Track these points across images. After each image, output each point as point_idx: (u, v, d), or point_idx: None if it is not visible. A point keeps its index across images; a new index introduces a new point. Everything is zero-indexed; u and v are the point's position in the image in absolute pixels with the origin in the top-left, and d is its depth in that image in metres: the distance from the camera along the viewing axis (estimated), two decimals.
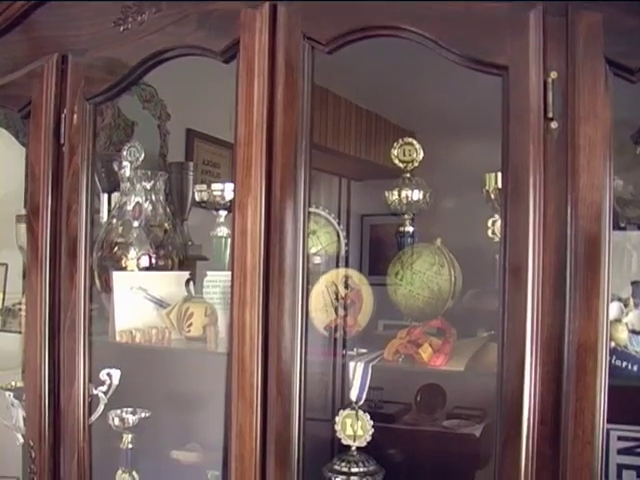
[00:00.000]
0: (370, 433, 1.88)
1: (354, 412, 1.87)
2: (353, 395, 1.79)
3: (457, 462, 2.02)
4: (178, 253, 2.22)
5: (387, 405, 2.15)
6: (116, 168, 2.26)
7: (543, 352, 1.43)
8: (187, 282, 1.99)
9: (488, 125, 1.57)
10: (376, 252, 1.97)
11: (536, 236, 1.44)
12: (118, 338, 2.03)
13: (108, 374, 2.08)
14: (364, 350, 1.86)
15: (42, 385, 2.00)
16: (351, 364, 1.79)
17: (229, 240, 1.96)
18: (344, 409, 1.90)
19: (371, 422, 1.88)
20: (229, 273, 1.75)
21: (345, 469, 1.97)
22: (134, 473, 2.31)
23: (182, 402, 2.42)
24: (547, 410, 1.44)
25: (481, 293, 1.87)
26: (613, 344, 1.53)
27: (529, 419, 1.44)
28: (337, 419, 1.89)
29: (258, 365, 1.67)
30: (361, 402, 1.79)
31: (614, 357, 1.54)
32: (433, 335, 1.78)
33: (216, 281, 2.02)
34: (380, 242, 2.02)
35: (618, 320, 1.54)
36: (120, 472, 2.32)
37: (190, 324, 1.94)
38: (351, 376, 1.79)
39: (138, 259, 2.15)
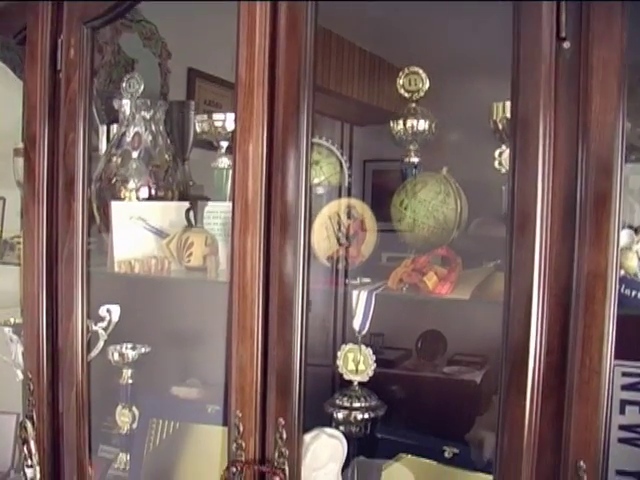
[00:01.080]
0: (372, 368, 1.86)
1: (356, 347, 1.84)
2: (356, 324, 1.77)
3: (457, 408, 1.99)
4: (178, 185, 2.17)
5: (388, 351, 2.12)
6: (116, 106, 2.21)
7: (551, 280, 1.40)
8: (187, 211, 1.95)
9: (496, 57, 1.53)
10: (379, 198, 1.93)
11: (546, 163, 1.39)
12: (117, 269, 2.00)
13: (108, 310, 2.08)
14: (367, 280, 1.83)
15: (40, 317, 1.98)
16: (354, 292, 1.76)
17: (230, 172, 1.91)
18: (346, 343, 1.87)
19: (373, 357, 1.86)
20: (230, 204, 1.71)
21: (347, 404, 1.96)
22: (134, 408, 2.30)
23: (182, 337, 2.41)
24: (554, 339, 1.41)
25: (487, 221, 1.83)
26: (622, 272, 1.50)
27: (535, 348, 1.41)
28: (339, 354, 1.86)
29: (259, 293, 1.64)
30: (364, 332, 1.76)
31: (623, 286, 1.51)
32: (438, 265, 1.74)
33: (216, 212, 1.99)
34: (383, 188, 1.98)
35: (628, 248, 1.50)
36: (120, 408, 2.32)
37: (190, 254, 1.90)
38: (354, 305, 1.76)
39: (137, 190, 2.12)
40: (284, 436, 1.64)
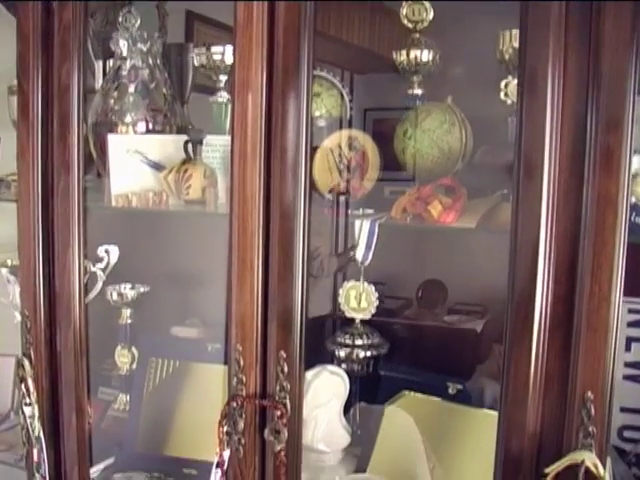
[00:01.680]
0: (375, 305, 1.84)
1: (358, 284, 1.82)
2: (359, 255, 1.74)
3: (457, 356, 1.97)
4: (177, 121, 2.12)
5: (388, 300, 2.09)
6: (112, 46, 2.15)
7: (560, 208, 1.36)
8: (186, 144, 1.90)
9: None
10: (379, 146, 1.88)
11: (555, 88, 1.34)
12: (114, 203, 1.96)
13: (106, 251, 2.04)
14: (370, 210, 1.79)
15: (36, 252, 1.94)
16: (357, 222, 1.73)
17: (229, 107, 1.86)
18: (348, 280, 1.84)
19: (376, 294, 1.83)
20: (229, 137, 1.66)
21: (349, 341, 1.94)
22: (133, 349, 2.28)
23: (182, 277, 2.38)
24: (562, 268, 1.37)
25: (493, 150, 1.78)
26: (634, 199, 1.46)
27: (543, 278, 1.38)
28: (340, 291, 1.84)
29: (259, 225, 1.61)
30: (367, 262, 1.73)
31: (634, 214, 1.47)
32: (442, 195, 1.70)
33: (215, 145, 1.94)
34: (383, 136, 1.93)
35: None
36: (119, 348, 2.31)
37: (189, 186, 1.86)
38: (357, 235, 1.73)
39: (134, 125, 2.06)
40: (285, 369, 1.61)
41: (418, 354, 2.11)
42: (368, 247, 1.74)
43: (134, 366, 2.31)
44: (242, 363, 1.64)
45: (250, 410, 1.65)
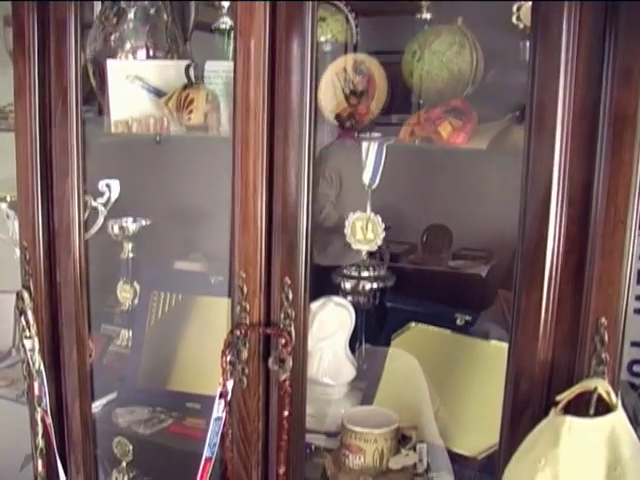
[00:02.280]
0: (381, 237, 1.80)
1: (365, 215, 1.77)
2: (366, 177, 1.69)
3: (462, 300, 1.93)
4: (178, 48, 2.05)
5: (392, 245, 2.05)
6: None
7: (574, 124, 1.31)
8: (187, 68, 1.83)
9: None
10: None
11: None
12: (114, 129, 1.90)
13: (107, 185, 2.00)
14: (377, 134, 1.74)
15: (34, 182, 1.89)
16: (364, 144, 1.68)
17: (232, 33, 1.79)
18: (354, 212, 1.80)
19: (382, 225, 1.79)
20: (231, 63, 1.61)
21: (355, 273, 1.90)
22: (135, 284, 2.24)
23: (184, 212, 2.33)
24: (576, 191, 1.32)
25: (506, 69, 1.72)
26: None
27: (558, 198, 1.33)
28: (346, 222, 1.80)
29: (263, 148, 1.56)
30: (374, 186, 1.68)
31: None
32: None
33: (217, 71, 1.87)
34: (389, 80, 1.86)
35: None
36: (121, 283, 2.27)
37: (190, 111, 1.80)
38: (364, 157, 1.68)
39: (134, 52, 2.00)
40: (290, 296, 1.57)
41: (424, 291, 2.06)
42: (375, 170, 1.69)
43: (136, 301, 2.27)
44: (245, 290, 1.60)
45: (254, 339, 1.61)
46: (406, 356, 1.86)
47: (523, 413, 1.40)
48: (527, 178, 1.34)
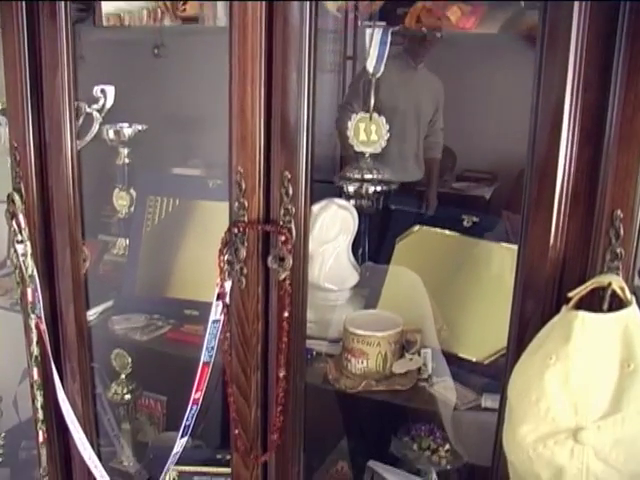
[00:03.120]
0: (385, 139, 1.73)
1: (367, 115, 1.70)
2: (370, 65, 1.61)
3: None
4: None
5: None
6: None
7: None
8: None
9: None
10: None
11: None
12: (105, 22, 1.82)
13: (102, 91, 1.94)
14: (382, 22, 1.65)
15: (23, 78, 1.80)
16: (367, 31, 1.60)
17: None
18: (356, 113, 1.73)
19: (387, 126, 1.72)
20: None
21: (358, 176, 1.84)
22: (132, 191, 2.18)
23: (181, 118, 2.26)
24: (593, 74, 1.24)
25: None
26: None
27: (572, 84, 1.25)
28: (349, 124, 1.72)
29: (261, 35, 1.47)
30: (379, 74, 1.60)
31: None
32: None
33: None
34: None
35: None
36: (117, 190, 2.21)
37: (185, 2, 1.71)
38: (367, 44, 1.60)
39: None
40: (290, 191, 1.50)
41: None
42: (380, 57, 1.61)
43: (132, 209, 2.21)
44: (244, 186, 1.53)
45: (252, 237, 1.55)
46: (408, 274, 1.80)
47: (533, 314, 1.34)
48: (541, 61, 1.25)
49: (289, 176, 1.49)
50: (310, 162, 1.50)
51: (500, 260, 1.67)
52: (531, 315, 1.34)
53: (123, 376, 2.30)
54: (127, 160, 2.20)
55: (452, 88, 1.90)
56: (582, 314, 1.18)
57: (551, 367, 1.18)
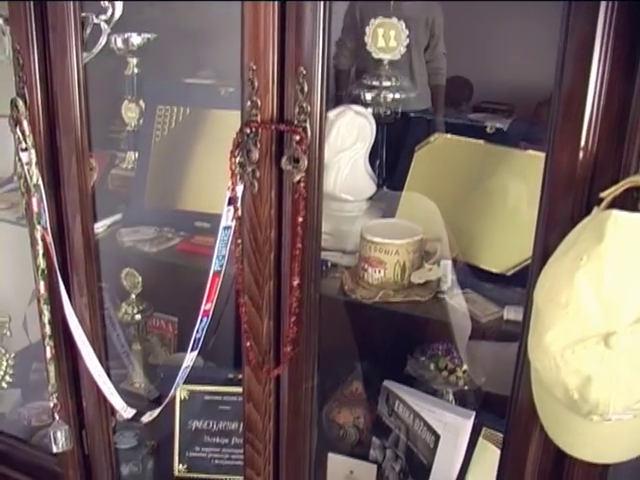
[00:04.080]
0: (405, 44, 1.64)
1: (387, 20, 1.61)
2: None
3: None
4: None
5: None
6: None
7: None
8: None
9: None
10: None
11: None
12: None
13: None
14: None
15: None
16: None
17: None
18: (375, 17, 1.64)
19: (406, 31, 1.63)
20: None
21: (376, 83, 1.76)
22: (141, 102, 2.10)
23: (192, 29, 2.15)
24: None
25: None
26: None
27: None
28: (367, 30, 1.64)
29: None
30: None
31: None
32: None
33: None
34: None
35: None
36: (126, 102, 2.14)
37: None
38: None
39: None
40: (305, 88, 1.42)
41: None
42: None
43: (141, 121, 2.14)
44: (257, 84, 1.45)
45: (266, 138, 1.47)
46: (424, 200, 1.75)
47: (561, 218, 1.26)
48: None
49: (304, 72, 1.41)
50: (327, 56, 1.41)
51: (525, 168, 1.60)
52: (559, 219, 1.27)
53: (133, 296, 2.30)
54: (136, 70, 2.13)
55: (468, 17, 1.81)
56: (616, 213, 1.11)
57: (582, 268, 1.11)
